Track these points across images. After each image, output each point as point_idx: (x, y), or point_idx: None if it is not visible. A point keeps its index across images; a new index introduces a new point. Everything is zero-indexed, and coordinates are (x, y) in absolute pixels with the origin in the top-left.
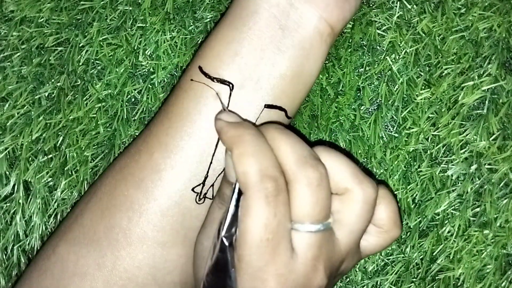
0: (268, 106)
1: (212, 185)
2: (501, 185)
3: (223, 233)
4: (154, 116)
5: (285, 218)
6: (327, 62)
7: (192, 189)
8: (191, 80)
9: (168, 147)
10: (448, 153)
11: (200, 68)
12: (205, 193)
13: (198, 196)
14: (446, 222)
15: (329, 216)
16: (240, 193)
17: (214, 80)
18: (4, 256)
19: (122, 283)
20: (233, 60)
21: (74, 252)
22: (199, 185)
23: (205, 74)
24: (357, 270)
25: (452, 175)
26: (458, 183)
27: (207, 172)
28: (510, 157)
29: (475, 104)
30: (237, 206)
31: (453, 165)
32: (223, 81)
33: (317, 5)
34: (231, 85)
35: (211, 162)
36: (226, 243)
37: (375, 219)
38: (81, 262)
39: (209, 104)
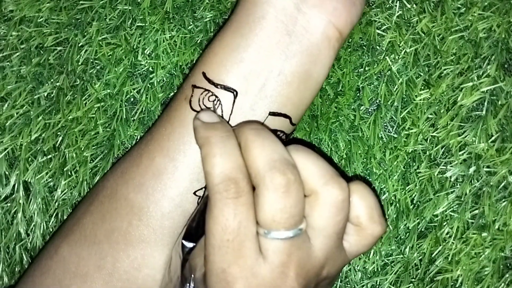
0: (272, 114)
1: None
2: (499, 187)
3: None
4: (156, 120)
5: (248, 221)
6: None
7: (194, 193)
8: (194, 86)
9: (170, 152)
10: (447, 154)
11: (204, 74)
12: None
13: (200, 199)
14: (444, 223)
15: (300, 222)
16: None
17: (218, 86)
18: (7, 255)
19: (121, 284)
20: (238, 67)
21: (76, 253)
22: (201, 189)
23: (209, 81)
24: (357, 270)
25: (450, 177)
26: (456, 184)
27: None
28: (508, 160)
29: (474, 105)
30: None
31: (451, 166)
32: (227, 88)
33: (325, 9)
34: (235, 92)
35: None
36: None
37: (351, 217)
38: (82, 264)
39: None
